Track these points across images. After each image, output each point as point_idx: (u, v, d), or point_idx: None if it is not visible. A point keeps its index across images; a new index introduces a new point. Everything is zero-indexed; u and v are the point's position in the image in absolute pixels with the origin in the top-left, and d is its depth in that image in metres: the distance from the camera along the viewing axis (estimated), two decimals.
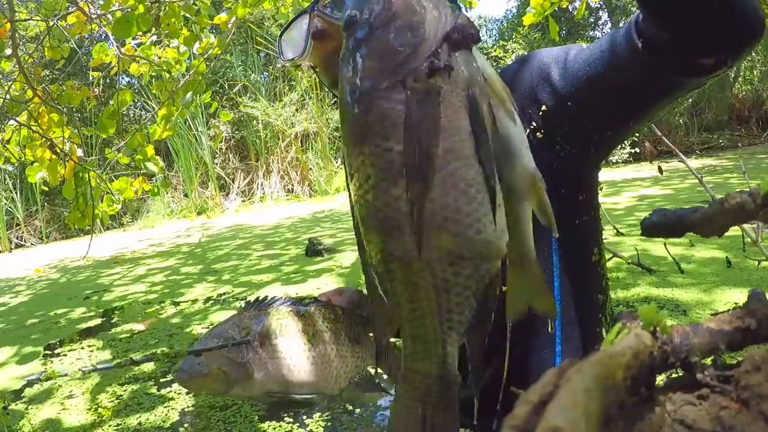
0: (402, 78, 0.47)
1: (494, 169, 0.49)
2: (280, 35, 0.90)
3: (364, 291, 1.00)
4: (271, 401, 0.91)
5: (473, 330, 0.52)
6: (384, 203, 0.49)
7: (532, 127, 0.81)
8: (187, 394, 2.06)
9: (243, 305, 0.96)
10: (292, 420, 1.77)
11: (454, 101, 0.47)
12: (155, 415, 1.91)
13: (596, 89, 0.77)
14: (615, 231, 3.59)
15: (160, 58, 2.49)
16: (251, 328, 0.84)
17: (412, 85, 0.47)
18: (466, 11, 3.43)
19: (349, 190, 0.56)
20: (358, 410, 1.78)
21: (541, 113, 0.82)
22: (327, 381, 0.85)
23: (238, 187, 10.49)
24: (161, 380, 2.21)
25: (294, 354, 0.83)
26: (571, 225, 0.84)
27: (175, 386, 2.15)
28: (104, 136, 2.63)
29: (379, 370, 0.92)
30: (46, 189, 2.56)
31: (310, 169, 10.30)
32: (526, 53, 0.87)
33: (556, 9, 2.21)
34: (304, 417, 1.78)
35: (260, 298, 0.95)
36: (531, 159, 0.54)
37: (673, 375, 0.29)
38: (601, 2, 10.45)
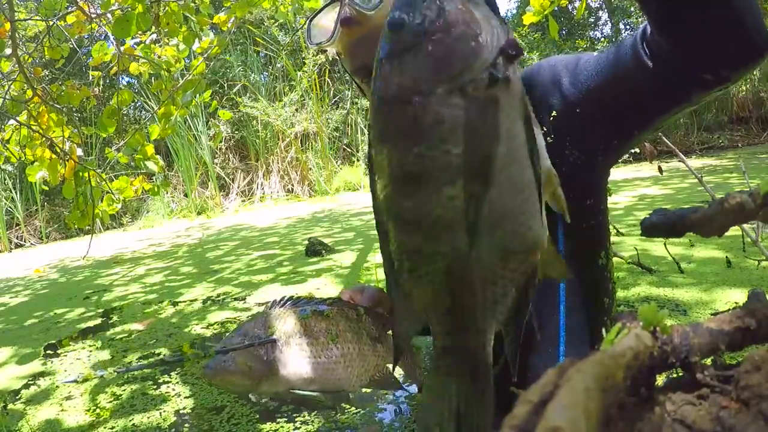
0: (461, 85, 0.50)
1: (540, 171, 0.53)
2: (310, 20, 0.92)
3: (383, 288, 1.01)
4: (293, 397, 0.91)
5: (512, 319, 0.55)
6: (438, 203, 0.51)
7: (542, 131, 0.82)
8: (187, 397, 2.06)
9: (270, 304, 1.00)
10: (292, 420, 1.77)
11: (510, 111, 0.51)
12: (154, 416, 1.91)
13: (603, 98, 0.78)
14: (615, 231, 3.60)
15: (159, 57, 2.49)
16: (276, 327, 0.87)
17: (472, 93, 0.50)
18: None
19: (375, 190, 0.57)
20: (359, 410, 1.78)
21: (551, 118, 0.83)
22: (349, 379, 0.88)
23: (238, 187, 10.49)
24: (160, 381, 2.21)
25: (317, 353, 0.86)
26: (578, 229, 0.85)
27: (175, 387, 2.16)
28: (104, 136, 2.63)
29: (398, 369, 0.96)
30: (46, 189, 2.56)
31: (310, 169, 10.30)
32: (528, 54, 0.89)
33: (556, 9, 2.21)
34: (305, 417, 1.78)
35: (285, 298, 0.99)
36: (546, 156, 0.58)
37: (673, 375, 0.29)
38: (601, 2, 10.45)
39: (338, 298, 0.97)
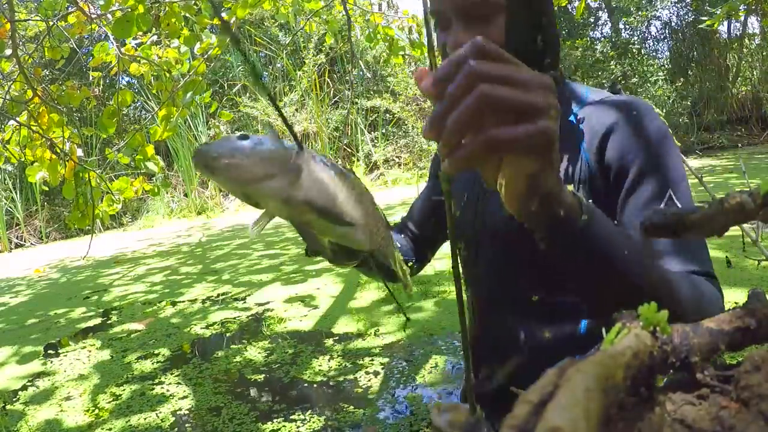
0: None
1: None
2: None
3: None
4: (306, 225, 0.73)
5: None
6: None
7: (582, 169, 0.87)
8: (187, 398, 2.05)
9: None
10: (293, 420, 1.77)
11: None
12: (154, 416, 1.91)
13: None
14: None
15: (160, 58, 2.49)
16: (298, 145, 0.73)
17: None
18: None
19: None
20: (359, 410, 1.78)
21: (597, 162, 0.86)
22: (375, 221, 0.77)
23: None
24: (160, 381, 2.22)
25: (344, 181, 0.74)
26: None
27: (174, 387, 2.15)
28: (104, 136, 2.63)
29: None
30: (46, 189, 2.55)
31: None
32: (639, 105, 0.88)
33: (556, 8, 2.21)
34: (305, 417, 1.78)
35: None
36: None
37: (673, 375, 0.29)
38: (601, 2, 10.45)
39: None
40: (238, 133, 0.69)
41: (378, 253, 0.81)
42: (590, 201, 0.81)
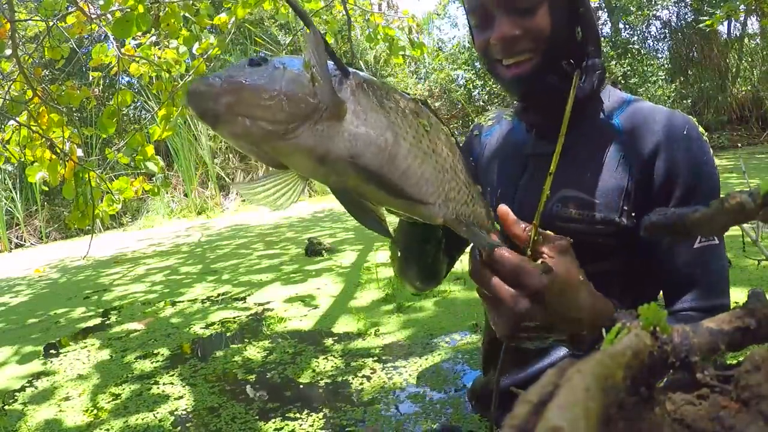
0: None
1: None
2: None
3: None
4: (344, 196, 0.49)
5: None
6: None
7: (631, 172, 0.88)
8: (186, 398, 2.05)
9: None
10: (292, 419, 1.77)
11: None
12: (153, 416, 1.91)
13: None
14: None
15: (160, 58, 2.49)
16: (348, 71, 0.52)
17: None
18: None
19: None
20: (359, 409, 1.78)
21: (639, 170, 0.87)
22: (437, 189, 0.54)
23: None
24: (159, 381, 2.21)
25: (404, 126, 0.51)
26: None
27: (174, 387, 2.15)
28: (104, 136, 2.63)
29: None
30: (46, 189, 2.55)
31: None
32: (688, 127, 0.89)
33: None
34: (305, 417, 1.78)
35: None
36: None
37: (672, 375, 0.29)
38: (601, 2, 10.45)
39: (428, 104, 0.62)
40: (253, 55, 0.49)
41: (456, 222, 0.57)
42: (633, 215, 0.83)
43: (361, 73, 0.53)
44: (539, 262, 0.60)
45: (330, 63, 0.49)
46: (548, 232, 0.64)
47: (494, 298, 0.60)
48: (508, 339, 0.62)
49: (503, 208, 0.61)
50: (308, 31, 0.48)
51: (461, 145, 1.13)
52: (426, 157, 0.52)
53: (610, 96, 0.96)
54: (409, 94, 0.60)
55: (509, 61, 0.87)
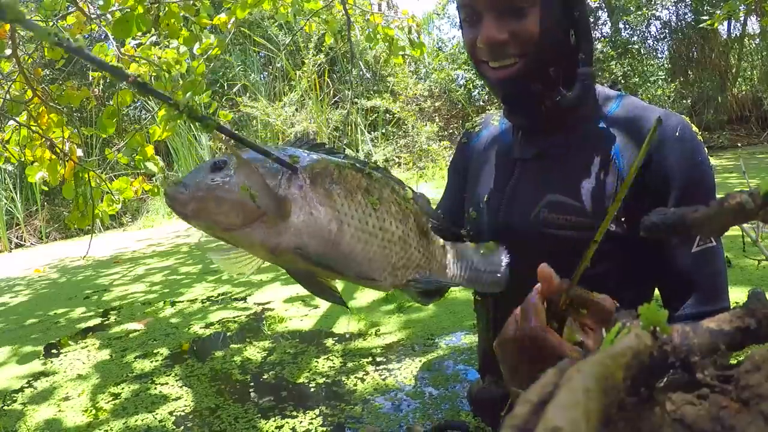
0: None
1: None
2: None
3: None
4: (298, 276, 0.57)
5: None
6: None
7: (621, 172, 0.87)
8: (186, 397, 2.05)
9: (294, 140, 0.67)
10: (293, 419, 1.77)
11: None
12: (153, 416, 1.91)
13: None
14: None
15: (160, 58, 2.48)
16: (302, 159, 0.58)
17: None
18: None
19: None
20: (360, 409, 1.78)
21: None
22: (382, 265, 0.60)
23: None
24: (159, 381, 2.21)
25: (350, 211, 0.57)
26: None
27: (174, 387, 2.15)
28: (104, 136, 2.63)
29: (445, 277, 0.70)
30: (46, 189, 2.55)
31: None
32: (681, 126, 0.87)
33: None
34: (305, 417, 1.78)
35: (317, 143, 0.66)
36: None
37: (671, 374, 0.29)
38: (601, 2, 10.44)
39: (384, 168, 0.69)
40: (216, 157, 0.57)
41: (406, 288, 0.66)
42: (623, 220, 0.82)
43: (310, 161, 0.58)
44: (577, 342, 0.58)
45: (276, 165, 0.57)
46: (593, 294, 0.59)
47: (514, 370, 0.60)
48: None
49: (546, 270, 0.59)
50: (240, 160, 0.56)
51: (451, 160, 1.12)
52: (371, 237, 0.59)
53: (600, 96, 0.95)
54: (365, 161, 0.66)
55: (495, 65, 0.85)
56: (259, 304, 3.18)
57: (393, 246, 0.61)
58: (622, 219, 0.85)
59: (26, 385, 2.34)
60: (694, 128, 0.88)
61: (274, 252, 0.56)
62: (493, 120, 1.09)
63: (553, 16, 0.83)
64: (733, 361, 0.29)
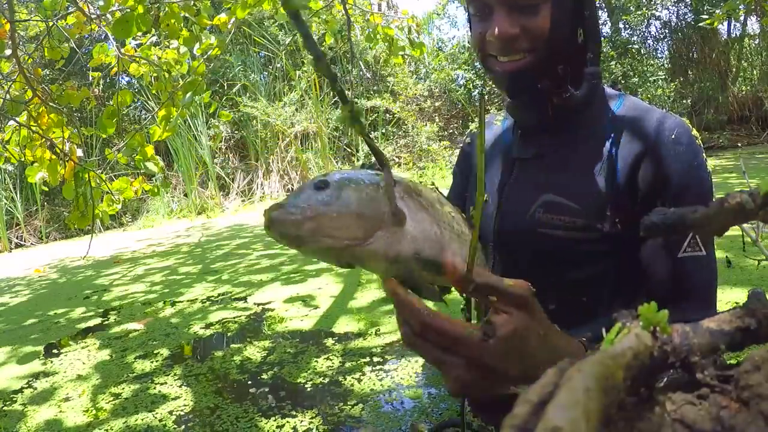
0: None
1: None
2: None
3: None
4: (409, 283, 0.59)
5: None
6: None
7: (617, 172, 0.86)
8: (186, 397, 2.05)
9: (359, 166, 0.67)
10: (293, 419, 1.77)
11: None
12: (153, 416, 1.91)
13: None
14: None
15: (160, 58, 2.49)
16: (386, 177, 0.59)
17: None
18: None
19: None
20: (360, 409, 1.78)
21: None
22: (463, 255, 0.63)
23: (238, 187, 10.49)
24: (159, 380, 2.21)
25: (440, 216, 0.61)
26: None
27: (174, 387, 2.15)
28: (104, 136, 2.63)
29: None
30: (46, 189, 2.55)
31: (310, 168, 10.30)
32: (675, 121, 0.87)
33: None
34: (305, 416, 1.78)
35: (368, 161, 0.67)
36: None
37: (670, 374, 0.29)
38: (601, 2, 10.45)
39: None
40: (313, 178, 0.57)
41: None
42: (616, 221, 0.81)
43: (400, 178, 0.62)
44: (484, 321, 0.56)
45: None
46: (507, 280, 0.57)
47: (433, 363, 0.58)
48: (456, 396, 0.60)
49: (449, 263, 0.58)
50: (385, 167, 0.58)
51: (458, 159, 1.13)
52: (459, 237, 0.64)
53: (604, 94, 0.95)
54: (433, 186, 0.70)
55: (504, 59, 0.85)
56: (259, 304, 3.18)
57: (466, 244, 0.65)
58: (617, 220, 0.84)
59: (26, 386, 2.34)
60: (694, 132, 0.88)
61: (396, 261, 0.56)
62: (495, 121, 1.09)
63: (564, 14, 0.83)
64: (733, 361, 0.29)
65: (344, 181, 0.55)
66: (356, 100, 10.57)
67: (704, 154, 0.87)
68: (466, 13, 0.93)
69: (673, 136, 0.85)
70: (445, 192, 0.87)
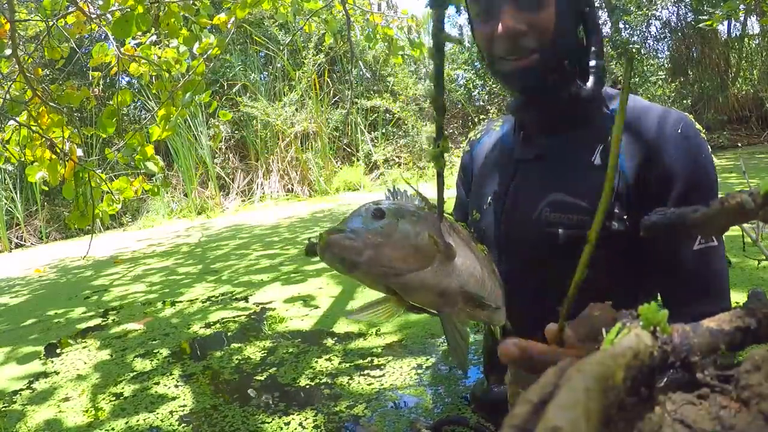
0: None
1: None
2: None
3: None
4: (450, 326, 0.59)
5: None
6: None
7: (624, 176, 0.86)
8: (186, 397, 2.05)
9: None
10: (293, 419, 1.77)
11: None
12: (153, 416, 1.91)
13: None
14: None
15: (159, 58, 2.48)
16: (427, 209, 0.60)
17: None
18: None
19: None
20: (360, 409, 1.78)
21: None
22: (501, 296, 0.66)
23: (238, 187, 10.48)
24: (159, 380, 2.21)
25: (477, 254, 0.63)
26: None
27: (174, 387, 2.15)
28: (104, 136, 2.63)
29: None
30: (46, 189, 2.55)
31: (310, 168, 10.29)
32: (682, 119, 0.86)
33: None
34: (304, 416, 1.78)
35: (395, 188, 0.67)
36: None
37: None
38: (601, 2, 10.44)
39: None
40: (368, 205, 0.55)
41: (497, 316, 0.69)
42: (625, 218, 0.81)
43: (444, 223, 0.62)
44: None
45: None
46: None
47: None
48: None
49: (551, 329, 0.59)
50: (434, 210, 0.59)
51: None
52: (492, 274, 0.65)
53: (604, 95, 0.95)
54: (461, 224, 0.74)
55: (512, 58, 0.85)
56: (259, 304, 3.18)
57: (498, 281, 0.67)
58: (624, 217, 0.84)
59: (26, 386, 2.34)
60: (698, 126, 0.88)
61: (443, 293, 0.57)
62: (494, 126, 1.09)
63: (567, 10, 0.84)
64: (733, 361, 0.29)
65: (400, 212, 0.55)
66: (356, 99, 10.57)
67: (709, 147, 0.87)
68: (467, 15, 0.93)
69: (679, 131, 0.85)
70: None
